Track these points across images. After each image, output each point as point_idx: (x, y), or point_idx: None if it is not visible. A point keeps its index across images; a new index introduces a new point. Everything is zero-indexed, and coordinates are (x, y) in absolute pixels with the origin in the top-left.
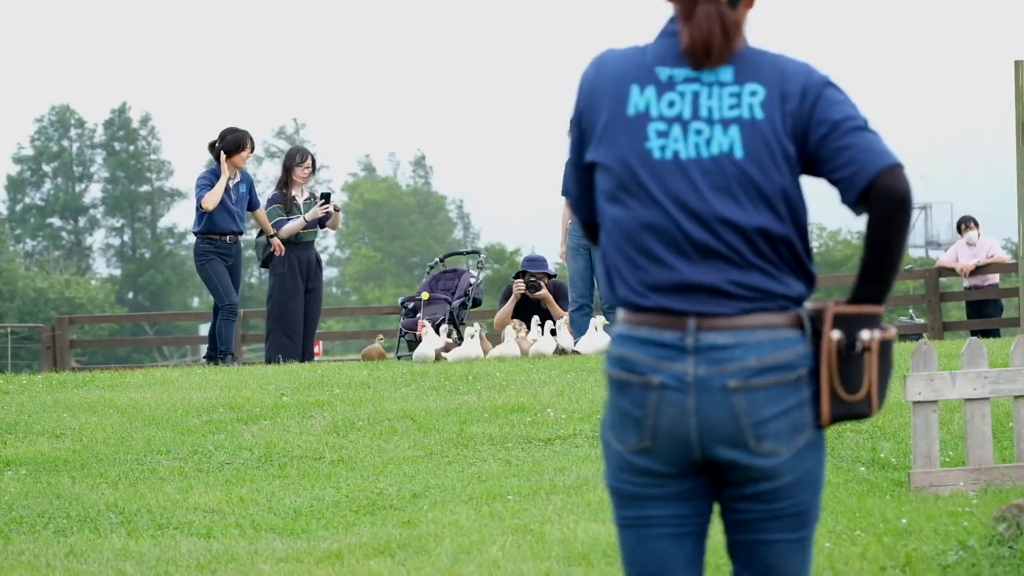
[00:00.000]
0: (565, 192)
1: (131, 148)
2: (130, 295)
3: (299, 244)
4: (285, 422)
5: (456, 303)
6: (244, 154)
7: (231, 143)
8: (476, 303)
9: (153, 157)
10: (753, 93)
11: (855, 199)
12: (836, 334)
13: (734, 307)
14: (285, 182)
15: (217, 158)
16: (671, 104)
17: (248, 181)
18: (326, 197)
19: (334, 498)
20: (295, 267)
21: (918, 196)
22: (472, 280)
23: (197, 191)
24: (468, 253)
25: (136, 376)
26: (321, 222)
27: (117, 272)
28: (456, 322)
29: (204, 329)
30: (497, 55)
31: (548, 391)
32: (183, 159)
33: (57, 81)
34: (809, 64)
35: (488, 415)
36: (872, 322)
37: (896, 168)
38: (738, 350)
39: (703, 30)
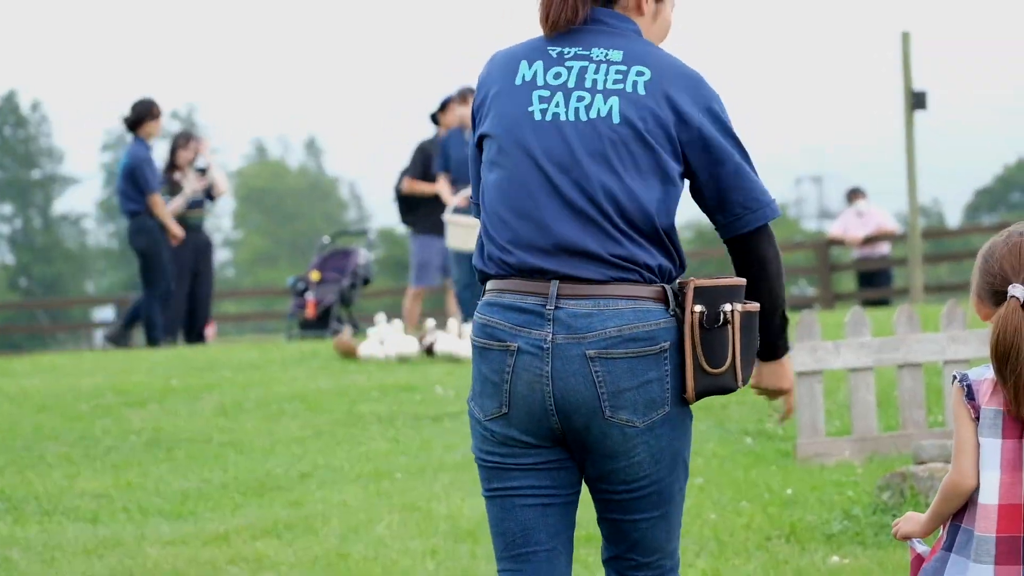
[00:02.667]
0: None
1: (21, 134)
2: (23, 282)
3: (185, 227)
4: (174, 406)
5: (346, 283)
6: (156, 123)
7: (140, 111)
8: (366, 282)
9: (44, 143)
10: (640, 73)
11: (725, 239)
12: (698, 307)
13: (600, 273)
14: (171, 165)
15: (132, 129)
16: (557, 76)
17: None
18: (202, 171)
19: (222, 480)
20: (180, 251)
21: (811, 169)
22: (362, 260)
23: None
24: (358, 233)
25: (24, 363)
26: (209, 195)
27: (10, 260)
28: (347, 301)
29: (99, 314)
30: (392, 36)
31: (437, 369)
32: (75, 145)
33: None
34: (699, 75)
35: (377, 394)
36: (734, 295)
37: (766, 228)
38: (598, 319)
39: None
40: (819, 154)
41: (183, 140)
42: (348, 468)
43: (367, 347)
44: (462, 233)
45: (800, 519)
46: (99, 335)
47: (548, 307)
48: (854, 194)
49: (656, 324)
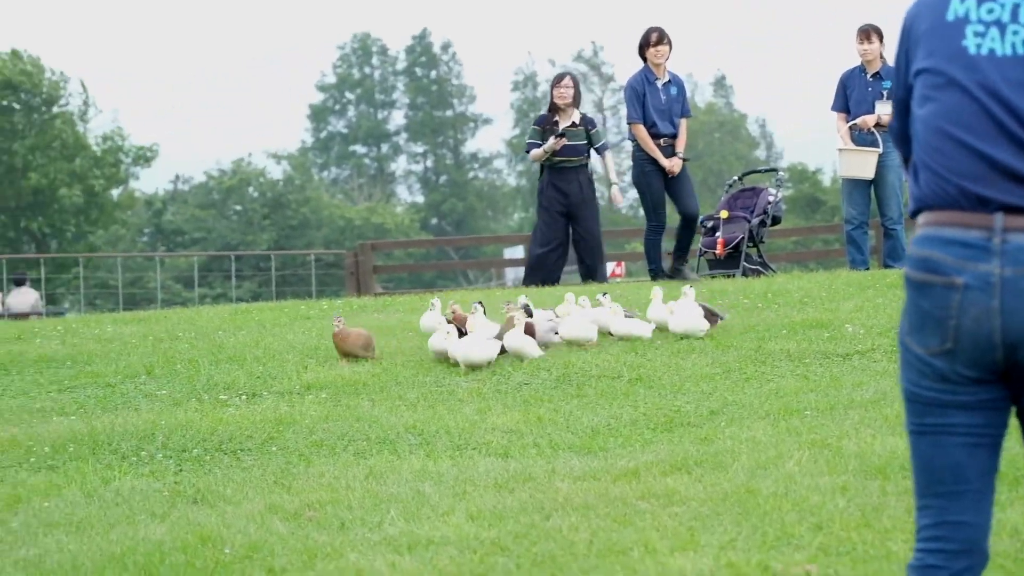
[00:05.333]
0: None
1: (433, 74)
2: (434, 221)
3: (558, 169)
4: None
5: (755, 221)
6: (651, 51)
7: (640, 40)
8: (776, 221)
9: (455, 82)
10: None
11: None
12: None
13: None
14: (552, 106)
15: (643, 58)
16: (990, 11)
17: (679, 84)
18: (561, 134)
19: (631, 416)
20: (553, 194)
21: None
22: (771, 198)
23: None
24: (767, 171)
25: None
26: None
27: (421, 199)
28: (756, 240)
29: (509, 253)
30: None
31: (847, 307)
32: (485, 84)
33: (358, 9)
34: None
35: (786, 331)
36: None
37: None
38: None
39: None
40: None
41: (556, 80)
42: (757, 405)
43: (436, 339)
44: (856, 159)
45: None
46: (510, 273)
47: (995, 240)
48: None
49: None
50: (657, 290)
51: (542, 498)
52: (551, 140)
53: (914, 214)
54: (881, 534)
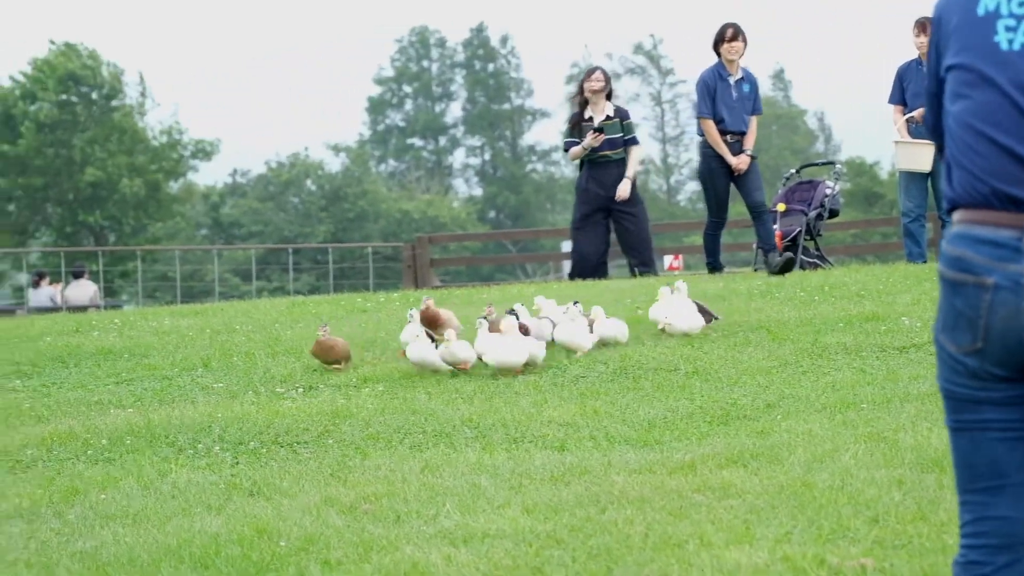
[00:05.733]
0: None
1: (491, 67)
2: (492, 214)
3: (598, 163)
4: (638, 334)
5: (812, 214)
6: (725, 47)
7: (716, 35)
8: (833, 214)
9: (513, 75)
10: None
11: None
12: None
13: None
14: (582, 101)
15: (717, 53)
16: (1022, 4)
17: (752, 82)
18: (599, 129)
19: (688, 409)
20: (590, 187)
21: None
22: (828, 191)
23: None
24: (824, 164)
25: (492, 293)
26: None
27: (478, 192)
28: (813, 233)
29: (567, 246)
30: None
31: (904, 300)
32: (543, 78)
33: (416, 1)
34: None
35: (843, 324)
36: None
37: None
38: None
39: None
40: None
41: (587, 73)
42: (813, 398)
43: (415, 350)
44: (913, 151)
45: None
46: (567, 266)
47: None
48: None
49: None
50: (664, 289)
51: (598, 491)
52: (589, 136)
53: (948, 212)
54: (937, 527)
